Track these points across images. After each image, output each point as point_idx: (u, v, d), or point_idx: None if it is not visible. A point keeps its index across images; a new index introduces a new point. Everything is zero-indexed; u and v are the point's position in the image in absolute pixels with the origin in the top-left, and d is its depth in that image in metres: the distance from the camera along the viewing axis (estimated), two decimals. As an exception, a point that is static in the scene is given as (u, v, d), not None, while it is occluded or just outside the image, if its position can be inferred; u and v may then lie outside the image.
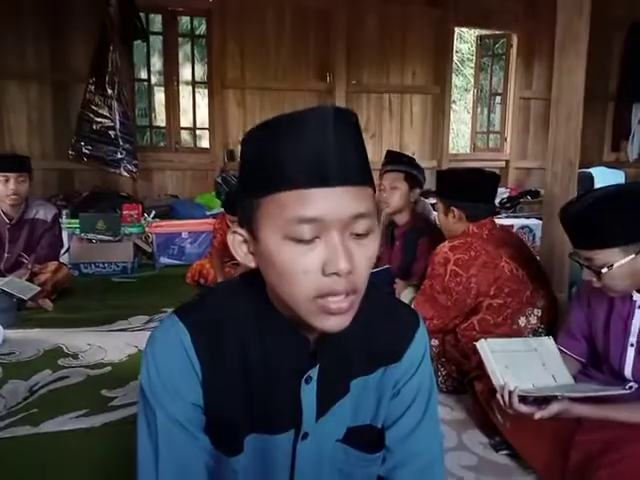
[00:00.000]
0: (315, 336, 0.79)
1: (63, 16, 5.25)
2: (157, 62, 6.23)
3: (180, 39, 5.82)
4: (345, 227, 0.68)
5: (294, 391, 0.80)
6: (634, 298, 1.56)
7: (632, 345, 1.58)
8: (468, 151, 7.11)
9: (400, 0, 5.91)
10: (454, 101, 10.81)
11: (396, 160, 2.71)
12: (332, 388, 0.83)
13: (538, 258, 2.44)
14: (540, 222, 3.71)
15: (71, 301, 3.28)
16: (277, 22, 5.70)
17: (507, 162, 6.54)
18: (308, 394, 0.81)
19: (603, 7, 5.84)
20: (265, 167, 0.69)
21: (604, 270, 1.44)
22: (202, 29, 6.06)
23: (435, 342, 2.09)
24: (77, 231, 4.19)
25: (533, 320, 2.00)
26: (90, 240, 4.09)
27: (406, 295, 2.34)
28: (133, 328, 2.82)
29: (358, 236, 0.69)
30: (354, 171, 0.69)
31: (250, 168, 0.73)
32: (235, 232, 0.76)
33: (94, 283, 3.71)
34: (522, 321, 1.99)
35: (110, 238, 4.11)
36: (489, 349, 1.59)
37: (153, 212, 4.90)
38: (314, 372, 0.80)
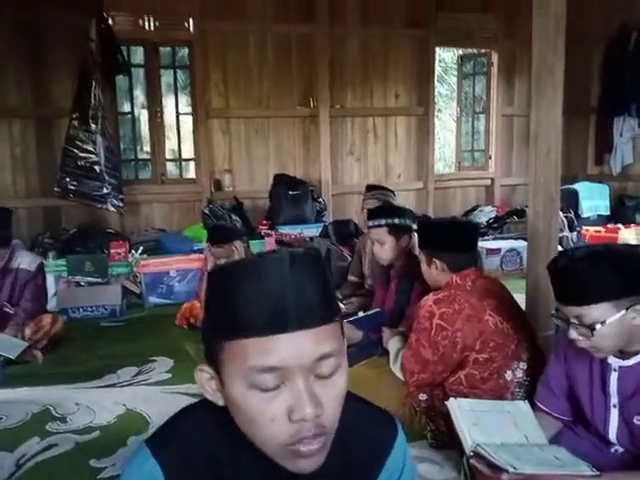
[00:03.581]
0: None
1: (44, 52, 5.24)
2: (140, 94, 6.23)
3: (162, 70, 5.82)
4: (309, 370, 0.68)
5: None
6: (609, 361, 1.56)
7: (615, 406, 1.57)
8: (453, 168, 7.15)
9: (381, 22, 5.96)
10: (439, 110, 10.96)
11: (376, 214, 2.70)
12: None
13: (523, 300, 2.44)
14: (526, 243, 3.74)
15: (60, 351, 3.26)
16: (259, 49, 5.72)
17: (492, 180, 6.58)
18: None
19: (581, 20, 5.95)
20: (225, 312, 0.69)
21: (598, 327, 1.40)
22: (184, 59, 6.07)
23: (423, 396, 2.09)
24: (64, 273, 4.17)
25: (519, 373, 2.01)
26: (78, 283, 4.07)
27: (393, 344, 2.34)
28: (122, 383, 2.80)
29: (324, 377, 0.69)
30: (315, 312, 0.69)
31: (212, 310, 0.73)
32: (202, 370, 0.76)
33: (83, 329, 3.68)
34: (508, 375, 1.99)
35: (98, 280, 4.09)
36: (458, 407, 1.60)
37: (141, 248, 4.87)
38: None
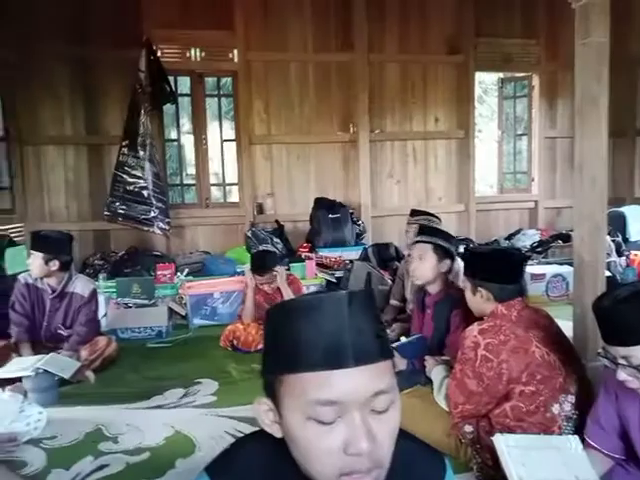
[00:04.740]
0: None
1: (96, 83, 5.53)
2: (186, 122, 6.47)
3: (207, 98, 6.03)
4: (365, 405, 0.71)
5: None
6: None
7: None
8: (495, 190, 7.08)
9: (419, 49, 6.04)
10: (479, 130, 10.90)
11: (426, 231, 2.74)
12: None
13: (570, 327, 2.40)
14: (572, 269, 3.67)
15: (109, 371, 3.37)
16: (300, 78, 5.88)
17: (536, 202, 6.48)
18: None
19: (625, 42, 5.87)
20: (285, 348, 0.73)
21: None
22: (228, 87, 6.28)
23: (469, 428, 2.07)
24: (114, 295, 4.33)
25: (567, 407, 1.97)
26: (126, 304, 4.22)
27: (437, 373, 2.33)
28: (169, 404, 2.87)
29: (379, 412, 0.72)
30: (371, 349, 0.72)
31: (272, 345, 0.77)
32: (260, 402, 0.80)
33: (130, 349, 3.79)
34: (556, 408, 1.96)
35: (145, 302, 4.23)
36: (505, 444, 1.57)
37: (186, 270, 5.02)
38: None
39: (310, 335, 0.71)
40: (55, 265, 3.26)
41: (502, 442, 1.51)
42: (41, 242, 3.29)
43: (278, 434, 0.78)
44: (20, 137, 5.42)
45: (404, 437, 0.90)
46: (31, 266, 3.29)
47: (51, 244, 3.29)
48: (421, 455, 0.92)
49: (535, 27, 6.27)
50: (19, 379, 2.87)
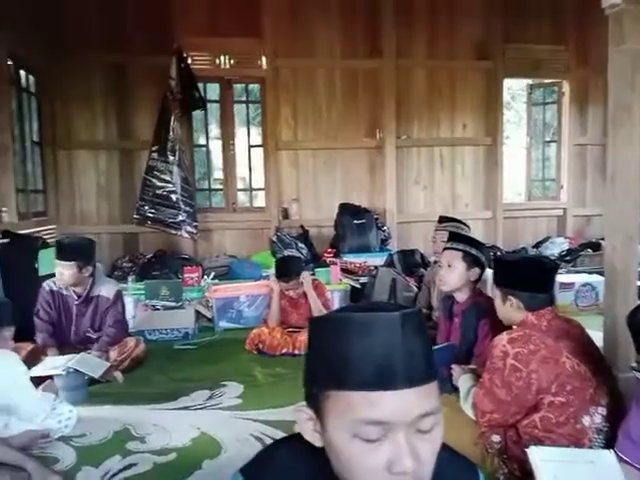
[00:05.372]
0: None
1: (129, 90, 5.66)
2: (214, 127, 6.56)
3: (235, 105, 6.11)
4: (411, 426, 0.71)
5: None
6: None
7: None
8: (523, 197, 6.99)
9: (447, 55, 6.02)
10: (507, 136, 10.79)
11: (455, 238, 2.72)
12: None
13: (601, 345, 2.36)
14: (603, 278, 3.60)
15: (137, 372, 3.43)
16: (327, 84, 5.92)
17: (565, 210, 6.38)
18: None
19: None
20: (334, 363, 0.73)
21: None
22: (256, 94, 6.35)
23: (497, 438, 2.05)
24: (142, 297, 4.41)
25: (598, 419, 1.93)
26: (154, 307, 4.29)
27: (464, 382, 2.31)
28: (195, 406, 2.91)
29: (424, 432, 0.72)
30: (421, 371, 0.72)
31: (319, 359, 0.77)
32: (301, 410, 0.80)
33: (157, 351, 3.85)
34: (586, 420, 1.92)
35: (173, 304, 4.29)
36: (539, 457, 1.55)
37: (212, 273, 5.08)
38: None
39: (362, 354, 0.71)
40: (88, 271, 3.32)
41: (536, 455, 1.49)
42: (72, 250, 3.29)
43: (318, 443, 0.79)
44: (54, 142, 5.58)
45: (440, 448, 0.91)
46: (62, 275, 3.27)
47: (82, 251, 3.34)
48: (455, 466, 0.91)
49: (564, 33, 6.20)
50: (51, 378, 2.94)
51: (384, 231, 5.82)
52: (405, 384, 0.70)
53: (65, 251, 3.30)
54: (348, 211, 5.71)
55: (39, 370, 2.94)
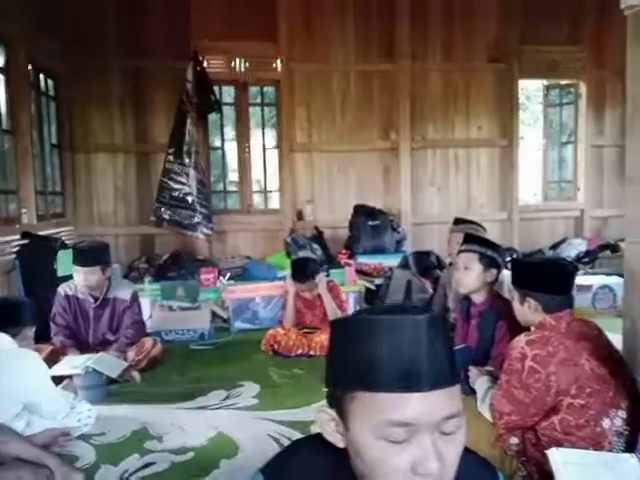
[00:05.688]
0: None
1: (145, 93, 5.73)
2: (229, 130, 6.61)
3: (250, 107, 6.15)
4: (436, 428, 0.72)
5: None
6: None
7: None
8: (539, 199, 6.93)
9: (462, 57, 6.00)
10: (522, 137, 10.72)
11: (471, 240, 2.71)
12: None
13: (620, 348, 2.33)
14: (621, 280, 3.56)
15: (154, 372, 3.47)
16: (342, 87, 5.94)
17: (582, 211, 6.32)
18: None
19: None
20: (359, 365, 0.74)
21: None
22: (271, 96, 6.38)
23: (515, 440, 2.03)
24: (159, 297, 4.45)
25: (618, 422, 1.91)
26: (170, 307, 4.33)
27: (481, 384, 2.30)
28: (212, 405, 2.93)
29: (447, 434, 0.73)
30: (445, 374, 0.73)
31: (343, 360, 0.77)
32: (324, 411, 0.80)
33: (174, 351, 3.89)
34: (606, 423, 1.90)
35: (189, 305, 4.33)
36: (561, 460, 1.54)
37: (228, 274, 5.11)
38: None
39: (389, 356, 0.72)
40: (109, 272, 3.37)
41: (558, 457, 1.47)
42: (94, 255, 3.31)
43: (340, 444, 0.79)
44: (72, 145, 5.65)
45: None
46: (85, 281, 3.27)
47: (102, 254, 3.38)
48: (475, 467, 0.91)
49: (581, 34, 6.15)
50: (70, 377, 2.98)
51: (399, 232, 5.80)
52: (431, 386, 0.71)
53: (87, 257, 3.29)
54: (363, 212, 5.71)
55: (58, 369, 2.98)
